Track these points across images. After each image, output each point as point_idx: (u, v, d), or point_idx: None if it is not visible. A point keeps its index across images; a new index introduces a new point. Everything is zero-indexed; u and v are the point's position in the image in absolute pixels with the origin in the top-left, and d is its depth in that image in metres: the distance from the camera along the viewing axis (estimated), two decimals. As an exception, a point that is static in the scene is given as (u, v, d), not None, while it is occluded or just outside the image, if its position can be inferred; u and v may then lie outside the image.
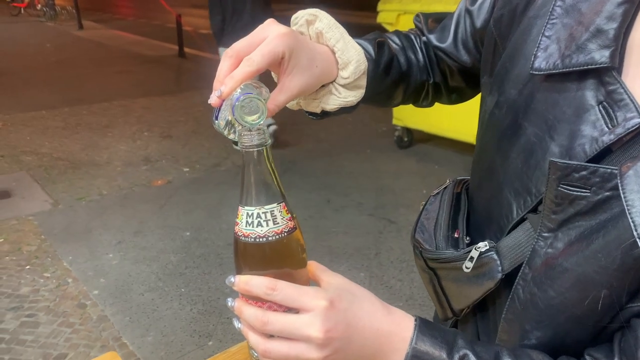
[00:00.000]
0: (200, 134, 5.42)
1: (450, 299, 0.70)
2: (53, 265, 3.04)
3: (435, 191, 0.79)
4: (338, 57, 0.65)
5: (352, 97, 0.68)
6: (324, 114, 0.71)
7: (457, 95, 0.83)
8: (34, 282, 2.87)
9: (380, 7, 4.67)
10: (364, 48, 0.69)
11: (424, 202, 0.78)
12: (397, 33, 0.80)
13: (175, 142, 5.18)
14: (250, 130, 0.52)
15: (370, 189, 4.06)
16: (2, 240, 3.32)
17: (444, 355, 0.51)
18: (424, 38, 0.79)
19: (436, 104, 0.86)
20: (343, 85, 0.66)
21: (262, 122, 0.53)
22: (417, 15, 0.82)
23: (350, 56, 0.65)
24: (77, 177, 4.33)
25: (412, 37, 0.80)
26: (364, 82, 0.68)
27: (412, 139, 4.99)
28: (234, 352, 0.99)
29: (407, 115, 4.70)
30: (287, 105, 0.65)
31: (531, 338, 0.55)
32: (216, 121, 0.57)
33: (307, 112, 0.72)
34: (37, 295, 2.75)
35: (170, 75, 8.41)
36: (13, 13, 16.89)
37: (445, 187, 0.78)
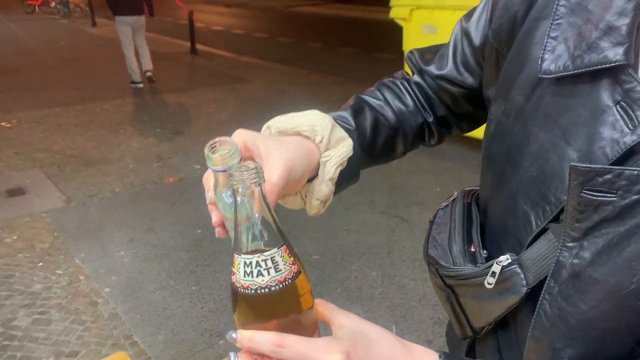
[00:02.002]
0: (211, 131, 5.42)
1: (470, 317, 0.67)
2: (65, 263, 3.05)
3: (444, 204, 0.75)
4: (302, 132, 0.64)
5: (341, 149, 0.66)
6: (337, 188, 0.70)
7: (468, 122, 0.81)
8: (46, 279, 2.89)
9: (393, 1, 4.63)
10: (342, 120, 0.69)
11: (432, 217, 0.75)
12: (378, 87, 0.79)
13: (187, 139, 5.19)
14: (240, 170, 0.47)
15: (382, 187, 4.03)
16: (15, 237, 3.35)
17: None
18: (415, 77, 0.78)
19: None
20: (327, 149, 0.66)
21: (237, 159, 0.51)
22: (411, 52, 0.81)
23: (310, 121, 0.64)
24: (90, 174, 4.35)
25: (398, 83, 0.79)
26: (342, 132, 0.67)
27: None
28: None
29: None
30: (312, 213, 0.66)
31: (563, 357, 0.52)
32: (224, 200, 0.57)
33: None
34: (50, 293, 2.77)
35: (182, 72, 8.43)
36: (27, 11, 17.07)
37: (453, 200, 0.75)
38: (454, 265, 0.65)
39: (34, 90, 7.14)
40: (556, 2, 0.51)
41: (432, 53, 0.78)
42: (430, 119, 0.77)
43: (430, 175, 4.24)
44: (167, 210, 3.71)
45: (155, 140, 5.17)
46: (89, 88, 7.28)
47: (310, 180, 0.66)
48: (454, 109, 0.77)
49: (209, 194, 0.57)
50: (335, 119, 0.69)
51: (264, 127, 0.66)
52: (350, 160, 0.67)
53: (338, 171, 0.65)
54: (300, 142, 0.63)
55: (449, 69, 0.73)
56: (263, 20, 15.58)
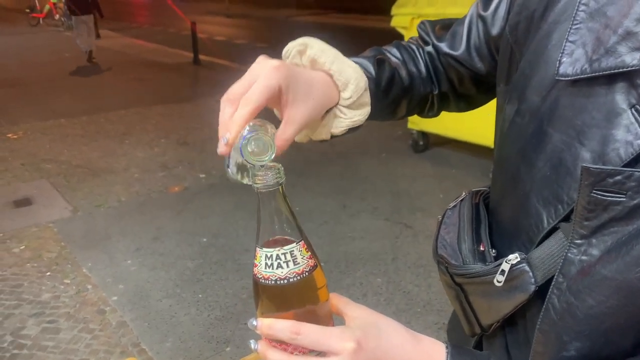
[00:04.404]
0: (215, 141, 5.38)
1: (478, 315, 0.68)
2: (73, 272, 3.08)
3: (452, 204, 0.76)
4: (336, 80, 0.63)
5: (358, 116, 0.66)
6: (332, 136, 0.69)
7: (465, 103, 0.81)
8: (54, 288, 2.92)
9: (394, 10, 4.67)
10: (363, 67, 0.68)
11: (440, 217, 0.76)
12: (397, 45, 0.78)
13: (192, 149, 5.22)
14: (263, 170, 0.50)
15: (386, 194, 4.05)
16: (23, 247, 3.38)
17: None
18: (427, 47, 0.78)
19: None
20: (347, 106, 0.65)
21: (271, 159, 0.52)
22: (422, 23, 0.80)
23: (348, 75, 0.63)
24: (96, 184, 4.39)
25: (414, 47, 0.78)
26: (367, 98, 0.67)
27: (428, 142, 4.97)
28: (251, 359, 0.99)
29: (423, 119, 4.67)
30: (296, 139, 0.62)
31: (570, 349, 0.53)
32: (229, 169, 0.55)
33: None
34: (58, 302, 2.79)
35: (185, 83, 8.50)
36: (32, 23, 17.21)
37: (462, 200, 0.76)
38: (463, 264, 0.66)
39: (39, 102, 7.20)
40: (576, 7, 0.53)
41: (442, 28, 0.77)
42: (436, 91, 0.77)
43: (433, 182, 4.26)
44: (173, 219, 3.74)
45: (160, 150, 5.21)
46: (93, 99, 7.35)
47: None
48: (457, 87, 0.78)
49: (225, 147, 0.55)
50: (356, 63, 0.67)
51: (301, 42, 0.64)
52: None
53: (345, 131, 0.66)
54: (327, 92, 0.62)
55: (461, 51, 0.73)
56: (265, 30, 15.68)
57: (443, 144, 5.00)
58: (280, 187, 0.51)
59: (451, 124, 4.36)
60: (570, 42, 0.52)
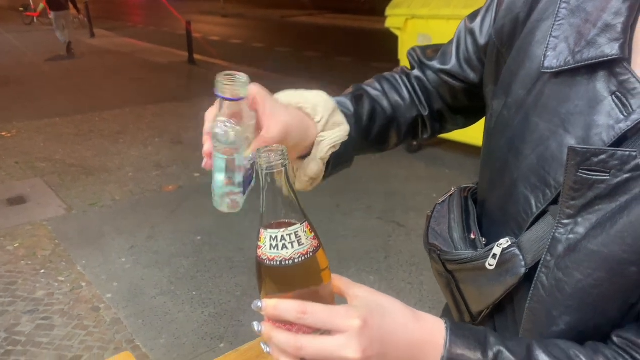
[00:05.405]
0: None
1: (468, 302, 0.70)
2: (67, 270, 3.09)
3: (441, 199, 0.79)
4: (304, 107, 0.67)
5: (337, 133, 0.69)
6: (330, 172, 0.73)
7: (462, 117, 0.84)
8: (48, 285, 2.92)
9: (388, 11, 4.70)
10: (341, 105, 0.73)
11: (429, 212, 0.79)
12: (377, 78, 0.82)
13: (186, 148, 5.23)
14: (268, 151, 0.51)
15: (379, 193, 4.08)
16: (17, 245, 3.38)
17: (479, 355, 0.52)
18: (414, 72, 0.81)
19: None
20: (323, 130, 0.69)
21: (243, 86, 0.55)
22: (412, 49, 0.84)
23: (315, 101, 0.68)
24: (90, 182, 4.40)
25: (397, 77, 0.82)
26: (340, 117, 0.70)
27: (422, 143, 5.00)
28: (245, 350, 1.01)
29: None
30: (298, 187, 0.69)
31: (560, 324, 0.56)
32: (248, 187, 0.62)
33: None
34: (52, 299, 2.80)
35: (180, 82, 8.50)
36: (26, 22, 17.15)
37: (450, 195, 0.79)
38: (455, 250, 0.69)
39: (34, 101, 7.18)
40: (558, 5, 0.57)
41: (433, 50, 0.81)
42: (426, 113, 0.80)
43: (426, 182, 4.29)
44: (167, 217, 3.76)
45: (154, 149, 5.22)
46: (88, 98, 7.34)
47: (304, 157, 0.69)
48: (451, 103, 0.81)
49: (208, 125, 0.61)
50: (336, 103, 0.72)
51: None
52: (345, 144, 0.70)
53: (330, 152, 0.68)
54: (302, 116, 0.66)
55: (452, 64, 0.77)
56: (260, 30, 15.68)
57: (437, 145, 5.03)
58: (284, 169, 0.51)
59: (444, 124, 4.39)
60: (554, 37, 0.56)
